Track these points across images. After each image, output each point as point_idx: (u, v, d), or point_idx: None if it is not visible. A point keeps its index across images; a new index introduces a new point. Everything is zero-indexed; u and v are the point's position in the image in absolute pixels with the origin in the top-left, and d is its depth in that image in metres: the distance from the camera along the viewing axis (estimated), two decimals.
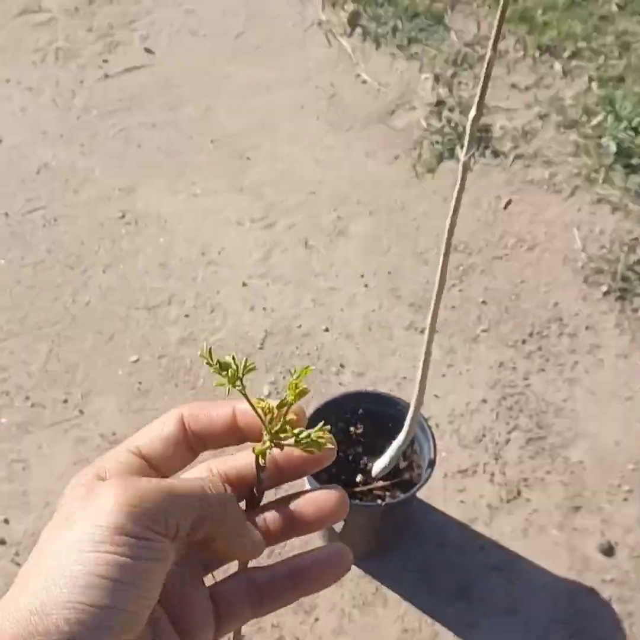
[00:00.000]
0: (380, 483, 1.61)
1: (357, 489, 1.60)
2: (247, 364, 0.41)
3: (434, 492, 1.77)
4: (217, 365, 0.41)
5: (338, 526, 1.63)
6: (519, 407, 1.91)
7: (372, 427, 1.66)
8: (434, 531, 1.74)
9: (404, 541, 1.73)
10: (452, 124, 2.55)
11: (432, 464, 1.55)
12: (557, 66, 2.80)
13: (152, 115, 2.60)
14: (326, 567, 0.44)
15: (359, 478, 1.63)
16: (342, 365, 1.97)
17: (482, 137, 2.52)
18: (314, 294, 2.12)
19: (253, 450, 0.43)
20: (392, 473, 1.62)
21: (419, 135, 2.54)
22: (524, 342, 2.03)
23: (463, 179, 1.17)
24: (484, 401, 1.92)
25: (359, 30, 2.98)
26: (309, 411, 1.58)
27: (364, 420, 1.66)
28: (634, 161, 2.38)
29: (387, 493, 1.59)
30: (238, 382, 0.41)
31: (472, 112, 1.10)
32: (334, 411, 1.64)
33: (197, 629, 0.42)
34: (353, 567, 1.67)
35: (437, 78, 2.75)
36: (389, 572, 1.68)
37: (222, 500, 0.40)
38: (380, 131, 2.57)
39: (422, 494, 1.77)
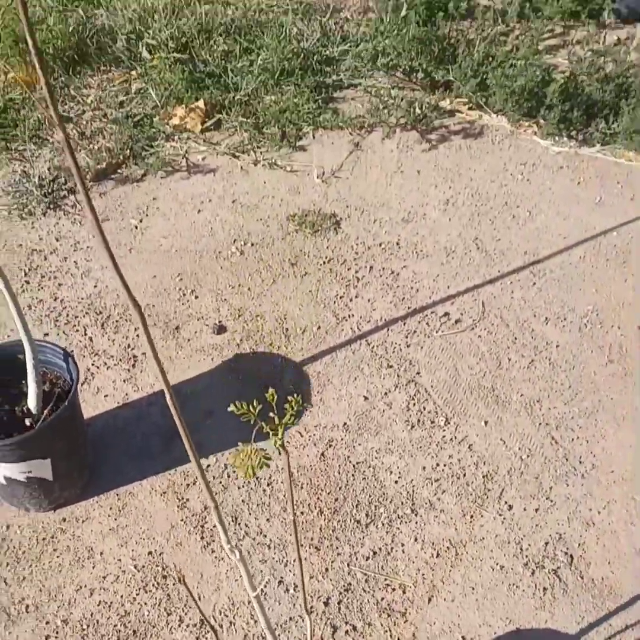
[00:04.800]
0: (45, 412, 1.81)
1: (34, 430, 1.79)
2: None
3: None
4: None
5: (47, 474, 1.83)
6: None
7: None
8: None
9: None
10: None
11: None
12: None
13: None
14: None
15: (28, 422, 1.81)
16: None
17: None
18: None
19: None
20: (46, 398, 1.84)
21: None
22: None
23: None
24: None
25: None
26: None
27: None
28: None
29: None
30: None
31: None
32: None
33: None
34: None
35: None
36: None
37: None
38: None
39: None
